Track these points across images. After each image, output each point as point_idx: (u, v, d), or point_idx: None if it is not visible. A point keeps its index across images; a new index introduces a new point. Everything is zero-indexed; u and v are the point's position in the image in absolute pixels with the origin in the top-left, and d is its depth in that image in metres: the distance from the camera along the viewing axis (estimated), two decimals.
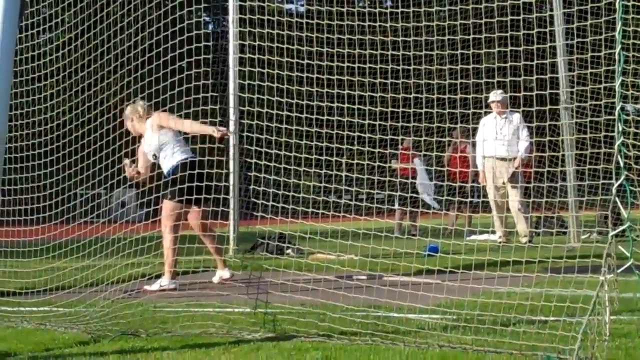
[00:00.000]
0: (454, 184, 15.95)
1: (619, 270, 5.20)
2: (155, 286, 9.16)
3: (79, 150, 9.66)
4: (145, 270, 8.29)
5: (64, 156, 9.70)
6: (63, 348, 5.86)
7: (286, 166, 8.43)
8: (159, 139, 9.56)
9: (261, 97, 8.49)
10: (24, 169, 9.86)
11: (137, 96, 9.51)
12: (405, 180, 16.60)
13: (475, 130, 14.80)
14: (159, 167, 9.67)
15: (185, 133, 9.71)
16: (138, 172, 9.65)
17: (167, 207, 9.44)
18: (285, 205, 8.21)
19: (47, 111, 10.02)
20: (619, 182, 5.27)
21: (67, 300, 7.46)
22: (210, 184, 9.30)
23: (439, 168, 16.84)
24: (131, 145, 9.13)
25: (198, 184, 9.01)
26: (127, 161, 9.45)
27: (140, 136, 9.81)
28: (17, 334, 6.45)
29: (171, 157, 9.60)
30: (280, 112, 8.58)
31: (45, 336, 6.31)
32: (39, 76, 9.89)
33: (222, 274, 9.76)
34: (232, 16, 12.43)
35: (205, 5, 8.78)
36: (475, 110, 9.33)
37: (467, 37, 7.94)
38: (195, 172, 9.15)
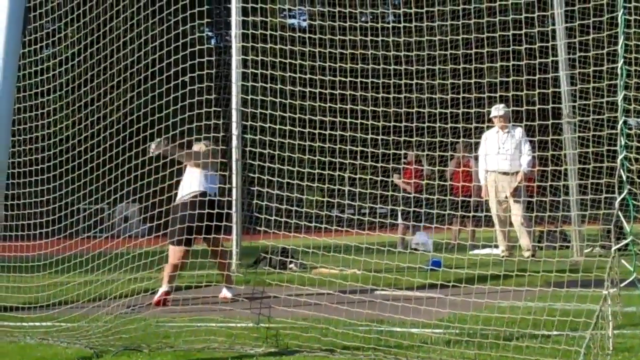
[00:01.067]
0: (457, 198, 15.96)
1: (622, 285, 5.21)
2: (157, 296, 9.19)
3: (82, 165, 9.66)
4: (148, 285, 8.29)
5: (67, 171, 9.70)
6: None
7: (289, 181, 8.44)
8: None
9: (264, 111, 8.50)
10: (27, 183, 9.86)
11: (140, 111, 9.50)
12: (408, 195, 16.61)
13: (477, 144, 14.81)
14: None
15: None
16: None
17: (172, 252, 9.54)
18: (289, 220, 8.22)
19: (50, 126, 10.04)
20: (622, 196, 5.27)
21: (70, 316, 7.46)
22: (220, 211, 9.44)
23: (441, 183, 16.85)
24: (134, 160, 9.11)
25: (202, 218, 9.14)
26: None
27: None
28: (20, 349, 6.45)
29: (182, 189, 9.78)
30: (283, 127, 8.59)
31: (48, 351, 6.31)
32: (42, 91, 9.90)
33: (225, 292, 9.77)
34: (235, 31, 12.46)
35: (208, 20, 8.79)
36: (478, 125, 9.34)
37: (469, 51, 7.95)
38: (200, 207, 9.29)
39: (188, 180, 9.73)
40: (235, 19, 12.60)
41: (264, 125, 8.86)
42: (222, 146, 9.22)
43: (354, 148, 8.70)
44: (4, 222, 9.42)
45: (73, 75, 9.96)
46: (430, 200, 12.21)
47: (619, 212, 5.30)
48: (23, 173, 9.86)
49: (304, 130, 8.59)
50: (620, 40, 5.39)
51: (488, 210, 14.44)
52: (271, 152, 8.91)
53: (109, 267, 8.29)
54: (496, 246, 14.18)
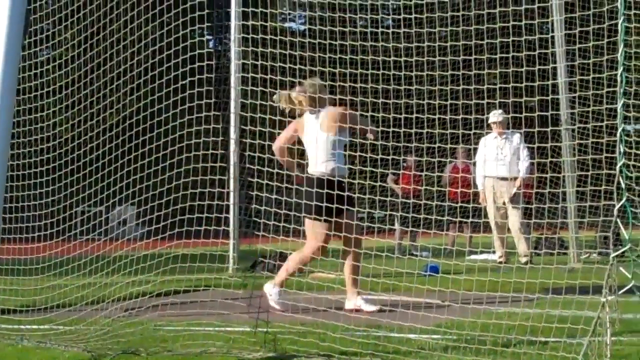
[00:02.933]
0: (455, 204, 15.97)
1: (620, 292, 5.21)
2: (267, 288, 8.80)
3: (81, 168, 9.67)
4: (146, 289, 8.29)
5: (66, 174, 9.71)
6: None
7: (287, 185, 8.44)
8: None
9: (263, 116, 8.50)
10: (26, 186, 9.87)
11: (139, 114, 9.51)
12: (406, 201, 16.61)
13: (475, 150, 14.84)
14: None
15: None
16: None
17: (315, 230, 8.67)
18: (286, 224, 8.22)
19: (50, 129, 10.04)
20: (620, 203, 5.28)
21: (68, 319, 7.45)
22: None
23: (440, 188, 16.87)
24: (133, 164, 9.11)
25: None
26: None
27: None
28: (18, 352, 6.43)
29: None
30: (281, 131, 8.59)
31: (45, 354, 6.29)
32: (41, 94, 9.91)
33: (353, 303, 8.67)
34: (234, 35, 12.47)
35: (208, 24, 8.80)
36: (476, 131, 9.35)
37: (469, 57, 7.97)
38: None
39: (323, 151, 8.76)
40: (234, 23, 12.63)
41: (263, 129, 8.85)
42: (220, 150, 9.17)
43: (353, 153, 8.72)
44: (3, 224, 9.44)
45: (72, 79, 9.98)
46: (428, 206, 12.24)
47: (618, 219, 5.31)
48: (22, 176, 9.87)
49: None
50: (620, 48, 5.41)
51: (486, 216, 14.47)
52: (270, 156, 8.92)
53: (107, 270, 8.28)
54: (494, 252, 14.21)
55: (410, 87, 8.03)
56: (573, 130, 13.01)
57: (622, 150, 5.34)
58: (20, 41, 5.64)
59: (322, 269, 10.28)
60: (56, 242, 9.55)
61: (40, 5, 9.69)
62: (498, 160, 14.01)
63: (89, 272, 8.51)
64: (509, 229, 14.01)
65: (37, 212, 9.84)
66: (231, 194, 12.64)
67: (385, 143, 8.72)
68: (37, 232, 9.80)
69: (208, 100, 8.64)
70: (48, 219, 9.77)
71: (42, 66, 10.00)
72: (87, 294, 8.10)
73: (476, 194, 14.76)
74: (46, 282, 8.74)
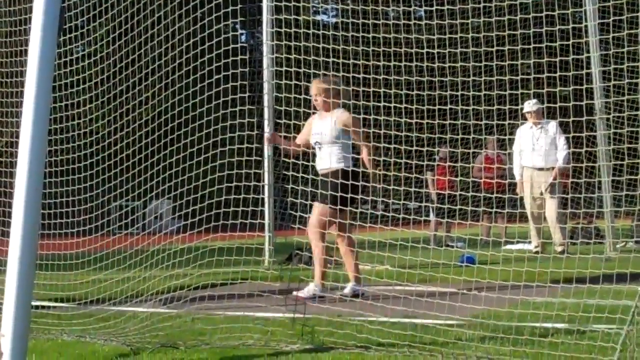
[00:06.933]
0: (489, 195, 15.92)
1: None
2: (305, 292, 8.84)
3: (118, 164, 9.75)
4: (183, 282, 8.34)
5: (103, 170, 9.79)
6: None
7: (322, 178, 8.46)
8: (335, 134, 9.13)
9: (296, 109, 8.53)
10: (65, 182, 9.96)
11: (174, 110, 9.56)
12: (442, 192, 16.58)
13: (511, 140, 14.77)
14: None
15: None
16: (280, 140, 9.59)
17: (321, 211, 8.99)
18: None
19: (86, 125, 10.13)
20: None
21: (107, 313, 7.51)
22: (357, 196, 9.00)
23: (475, 179, 16.82)
24: (168, 159, 9.18)
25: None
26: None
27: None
28: (57, 347, 6.49)
29: (336, 158, 9.09)
30: None
31: (85, 348, 6.34)
32: (77, 90, 10.00)
33: (351, 288, 9.08)
34: (266, 29, 12.49)
35: (241, 19, 8.85)
36: (511, 121, 9.32)
37: (502, 48, 7.94)
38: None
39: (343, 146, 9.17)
40: (266, 17, 12.66)
41: (297, 122, 8.89)
42: (255, 144, 9.20)
43: (386, 145, 8.72)
44: (42, 220, 9.54)
45: (107, 75, 10.05)
46: (463, 197, 12.22)
47: None
48: (60, 172, 9.96)
49: None
50: None
51: (522, 206, 14.41)
52: (304, 149, 8.95)
53: (145, 264, 8.34)
54: (530, 242, 14.17)
55: (444, 79, 8.03)
56: (608, 119, 12.93)
57: None
58: (55, 38, 5.69)
59: (357, 261, 10.29)
60: (94, 237, 9.63)
61: (75, 2, 9.76)
62: (534, 150, 13.93)
63: (127, 266, 8.58)
64: (545, 219, 13.95)
65: (75, 208, 9.93)
66: (266, 187, 12.70)
67: (419, 134, 8.73)
68: (75, 228, 9.88)
69: (242, 95, 8.68)
70: (86, 214, 9.86)
71: (77, 63, 10.08)
72: (126, 288, 8.17)
73: (511, 184, 14.70)
74: (85, 276, 8.82)
